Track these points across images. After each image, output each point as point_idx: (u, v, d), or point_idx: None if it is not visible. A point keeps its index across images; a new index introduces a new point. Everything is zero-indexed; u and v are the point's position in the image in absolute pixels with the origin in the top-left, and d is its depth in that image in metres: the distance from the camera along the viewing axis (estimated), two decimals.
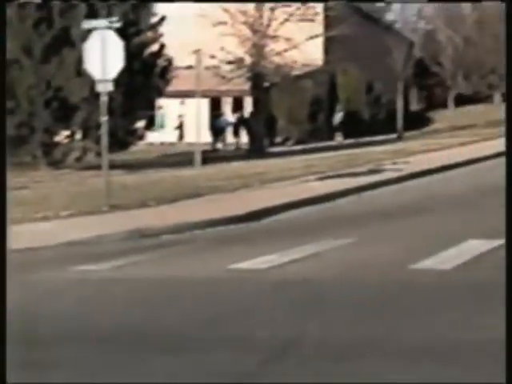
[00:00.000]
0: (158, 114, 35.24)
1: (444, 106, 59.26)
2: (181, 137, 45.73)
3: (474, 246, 11.34)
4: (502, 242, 11.48)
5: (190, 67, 29.18)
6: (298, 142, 44.02)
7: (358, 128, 46.40)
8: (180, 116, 45.35)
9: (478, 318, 7.67)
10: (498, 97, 65.46)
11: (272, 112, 43.31)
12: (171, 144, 44.18)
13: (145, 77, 29.62)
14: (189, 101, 37.92)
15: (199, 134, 27.10)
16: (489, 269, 10.11)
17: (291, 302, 8.70)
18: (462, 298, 8.59)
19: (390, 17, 61.52)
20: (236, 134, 42.07)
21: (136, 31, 29.22)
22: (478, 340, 6.95)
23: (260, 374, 6.23)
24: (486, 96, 63.34)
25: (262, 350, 6.89)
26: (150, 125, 32.82)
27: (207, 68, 32.90)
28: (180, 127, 45.80)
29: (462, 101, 59.29)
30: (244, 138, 41.17)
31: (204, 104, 42.25)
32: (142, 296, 9.40)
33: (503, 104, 63.48)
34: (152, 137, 38.18)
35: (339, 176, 22.63)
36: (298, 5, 35.97)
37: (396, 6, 58.34)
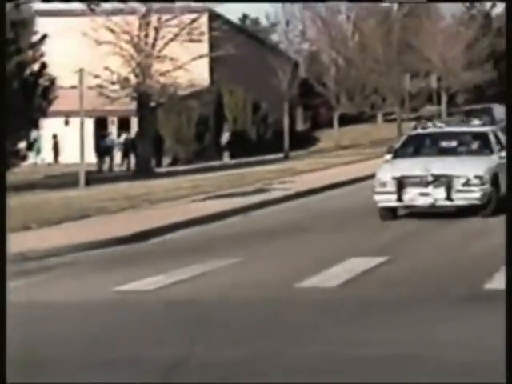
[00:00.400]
0: (37, 134, 34.60)
1: (329, 125, 60.19)
2: (55, 157, 45.28)
3: (357, 264, 11.51)
4: (383, 259, 11.69)
5: (74, 87, 28.82)
6: (185, 162, 43.95)
7: (245, 147, 46.66)
8: (54, 136, 44.90)
9: (362, 334, 7.76)
10: (380, 117, 66.93)
11: (159, 132, 43.12)
12: (49, 164, 43.56)
13: (26, 97, 29.04)
14: (73, 120, 37.46)
15: (84, 154, 26.73)
16: (372, 286, 10.27)
17: (177, 323, 8.63)
18: (346, 315, 8.69)
19: (274, 37, 62.25)
20: (125, 154, 41.74)
21: (16, 50, 28.63)
22: (361, 356, 7.03)
23: None
24: (370, 116, 64.65)
25: (147, 372, 6.81)
26: (31, 145, 32.22)
27: (91, 88, 32.57)
28: (55, 148, 45.38)
29: (346, 120, 60.32)
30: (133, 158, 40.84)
31: (89, 124, 41.78)
32: (21, 321, 9.17)
33: (386, 124, 65.05)
34: (32, 157, 37.58)
35: (226, 196, 22.68)
36: (183, 25, 35.97)
37: (280, 27, 59.05)
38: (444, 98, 58.97)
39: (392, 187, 15.88)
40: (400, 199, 15.87)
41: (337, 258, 11.96)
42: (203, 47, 39.81)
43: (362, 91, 59.38)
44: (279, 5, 56.93)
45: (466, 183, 15.63)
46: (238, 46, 37.62)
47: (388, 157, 17.46)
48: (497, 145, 17.04)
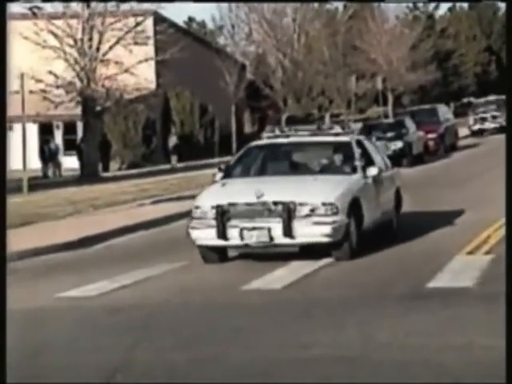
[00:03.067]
0: None
1: None
2: None
3: (300, 267, 11.48)
4: (327, 261, 11.68)
5: (16, 92, 28.48)
6: (132, 166, 43.71)
7: (192, 151, 46.55)
8: None
9: (305, 337, 7.74)
10: (327, 118, 67.26)
11: (106, 136, 42.84)
12: None
13: None
14: (16, 126, 37.03)
15: (27, 160, 26.43)
16: (316, 287, 10.27)
17: (119, 329, 8.55)
18: (291, 317, 8.67)
19: (221, 40, 62.21)
20: (51, 160, 41.38)
21: None
22: (302, 358, 7.02)
23: None
24: (317, 117, 64.96)
25: (87, 378, 6.72)
26: None
27: (35, 92, 32.19)
28: None
29: (294, 122, 60.53)
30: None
31: (33, 129, 41.34)
32: None
33: (333, 125, 65.35)
34: None
35: (173, 199, 22.56)
36: (128, 28, 35.74)
37: (227, 30, 59.02)
38: (390, 99, 59.45)
39: (213, 219, 11.70)
40: (223, 236, 11.65)
41: (280, 260, 11.93)
42: (149, 51, 39.62)
43: (309, 93, 59.63)
44: (225, 7, 56.94)
45: (312, 213, 11.53)
46: (184, 48, 37.52)
47: (219, 176, 13.03)
48: (361, 160, 12.93)
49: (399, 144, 31.19)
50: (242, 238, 11.60)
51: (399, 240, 13.09)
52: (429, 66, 62.05)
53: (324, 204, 11.54)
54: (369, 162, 13.12)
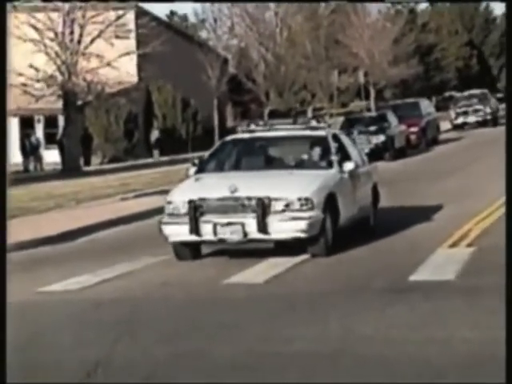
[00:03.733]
0: None
1: None
2: None
3: (281, 261, 11.46)
4: (305, 256, 11.66)
5: None
6: (114, 160, 43.58)
7: (175, 145, 46.44)
8: None
9: (288, 331, 7.75)
10: (310, 112, 67.27)
11: (88, 130, 42.68)
12: None
13: None
14: None
15: (10, 153, 26.26)
16: (298, 281, 10.27)
17: (101, 323, 8.53)
18: (274, 311, 8.67)
19: (203, 34, 62.06)
20: (33, 154, 41.25)
21: None
22: (285, 353, 7.02)
23: None
24: (300, 112, 64.96)
25: (69, 373, 6.71)
26: None
27: (15, 86, 32.00)
28: None
29: (276, 116, 60.48)
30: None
31: (13, 123, 41.12)
32: None
33: (309, 119, 65.37)
34: None
35: (156, 193, 22.50)
36: (109, 22, 35.60)
37: (209, 24, 58.90)
38: (372, 93, 59.53)
39: (185, 215, 11.44)
40: (196, 231, 11.39)
41: (259, 255, 11.93)
42: (131, 44, 39.49)
43: (292, 87, 59.59)
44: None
45: (287, 208, 11.31)
46: (165, 42, 37.39)
47: (192, 171, 12.77)
48: (337, 154, 12.67)
49: (381, 138, 31.26)
50: (215, 233, 11.35)
51: (381, 234, 13.11)
52: (411, 60, 62.17)
53: (299, 199, 11.30)
54: (345, 156, 12.87)
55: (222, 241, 11.51)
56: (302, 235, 11.29)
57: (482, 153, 28.86)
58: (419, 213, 15.23)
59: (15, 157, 38.11)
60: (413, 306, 8.35)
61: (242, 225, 11.29)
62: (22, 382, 5.79)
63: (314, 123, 13.48)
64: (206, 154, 13.54)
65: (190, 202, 11.44)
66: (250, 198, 11.34)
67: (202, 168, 12.73)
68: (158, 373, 6.65)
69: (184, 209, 11.48)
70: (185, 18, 78.90)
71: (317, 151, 12.65)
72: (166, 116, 49.06)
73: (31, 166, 40.63)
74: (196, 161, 13.11)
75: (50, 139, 43.22)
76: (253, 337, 7.61)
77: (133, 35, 39.26)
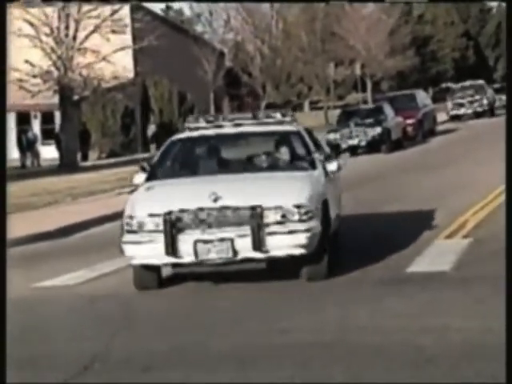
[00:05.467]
0: None
1: None
2: None
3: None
4: None
5: None
6: (111, 155, 43.57)
7: None
8: None
9: (285, 321, 7.76)
10: (307, 105, 67.29)
11: (85, 126, 42.68)
12: None
13: None
14: None
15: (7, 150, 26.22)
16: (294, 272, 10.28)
17: (98, 317, 8.55)
18: (270, 301, 8.67)
19: (199, 28, 62.07)
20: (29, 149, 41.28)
21: None
22: (281, 343, 7.05)
23: None
24: (296, 104, 64.95)
25: (68, 366, 6.73)
26: None
27: (11, 82, 31.95)
28: None
29: (273, 109, 60.60)
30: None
31: (10, 119, 41.08)
32: None
33: (313, 112, 65.50)
34: None
35: None
36: (104, 16, 35.56)
37: (204, 17, 58.89)
38: (369, 85, 59.53)
39: (155, 232, 9.22)
40: (173, 251, 9.16)
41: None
42: (126, 39, 39.42)
43: (288, 80, 59.63)
44: None
45: (284, 219, 9.18)
46: (161, 37, 37.35)
47: (139, 178, 10.41)
48: (320, 152, 10.85)
49: (378, 130, 31.25)
50: (196, 253, 9.12)
51: (377, 226, 13.12)
52: (407, 52, 62.17)
53: (298, 207, 9.18)
54: (325, 156, 10.91)
55: (203, 263, 9.21)
56: (302, 251, 9.15)
57: (479, 144, 28.87)
58: (415, 205, 15.24)
59: (12, 153, 38.10)
60: (409, 296, 8.37)
61: (231, 241, 9.10)
62: (22, 382, 5.79)
63: (278, 116, 11.04)
64: (155, 156, 11.03)
65: (158, 215, 9.20)
66: (238, 208, 9.16)
67: (153, 173, 10.37)
68: (155, 366, 6.66)
69: (151, 224, 9.22)
70: (180, 12, 78.84)
71: (285, 149, 10.53)
72: (163, 110, 49.04)
73: (28, 162, 40.62)
74: (145, 164, 10.73)
75: (47, 135, 43.22)
76: (249, 328, 7.63)
77: (129, 30, 39.20)
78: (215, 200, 9.24)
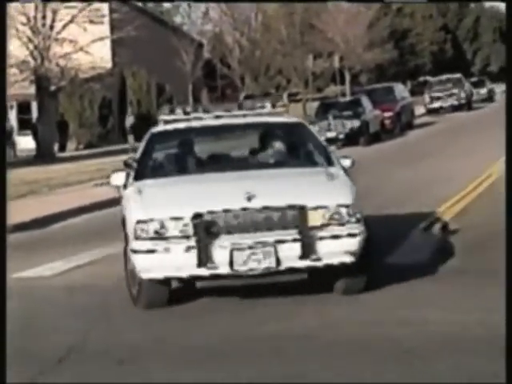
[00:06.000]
0: None
1: None
2: None
3: None
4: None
5: None
6: (89, 146, 43.40)
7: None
8: None
9: (261, 313, 7.73)
10: (285, 97, 67.23)
11: (63, 116, 42.48)
12: None
13: None
14: None
15: None
16: None
17: (75, 309, 8.49)
18: (248, 294, 8.65)
19: (177, 19, 61.84)
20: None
21: None
22: (257, 335, 7.02)
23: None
24: (275, 97, 64.90)
25: (42, 359, 6.68)
26: None
27: None
28: None
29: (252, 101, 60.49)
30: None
31: None
32: None
33: (291, 104, 65.51)
34: None
35: None
36: (82, 6, 35.39)
37: (183, 8, 58.71)
38: (347, 78, 59.58)
39: (181, 238, 7.73)
40: (206, 262, 7.68)
41: None
42: (104, 29, 39.25)
43: (267, 72, 59.59)
44: None
45: (331, 222, 7.88)
46: (139, 27, 37.22)
47: (118, 179, 9.15)
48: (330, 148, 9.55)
49: (356, 123, 31.32)
50: (231, 263, 7.68)
51: None
52: (386, 45, 62.27)
53: (346, 207, 7.88)
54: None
55: (239, 274, 7.77)
56: (352, 259, 7.86)
57: (457, 137, 28.98)
58: (392, 198, 15.24)
59: None
60: (387, 288, 8.35)
61: (274, 248, 7.69)
62: (22, 382, 5.74)
63: (268, 107, 9.81)
64: (137, 153, 9.50)
65: (196, 217, 7.70)
66: (280, 209, 7.77)
67: (138, 173, 8.89)
68: (132, 357, 6.62)
69: (175, 229, 7.74)
70: (159, 2, 78.49)
71: (280, 144, 9.30)
72: (141, 101, 48.87)
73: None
74: (131, 160, 9.38)
75: (23, 125, 42.95)
76: (227, 320, 7.60)
77: (106, 20, 39.04)
78: (249, 199, 7.78)
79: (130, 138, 44.64)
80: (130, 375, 6.23)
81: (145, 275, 7.88)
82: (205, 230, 7.68)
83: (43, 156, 34.93)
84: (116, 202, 17.76)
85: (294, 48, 57.24)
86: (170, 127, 9.57)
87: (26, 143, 40.66)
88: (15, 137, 41.46)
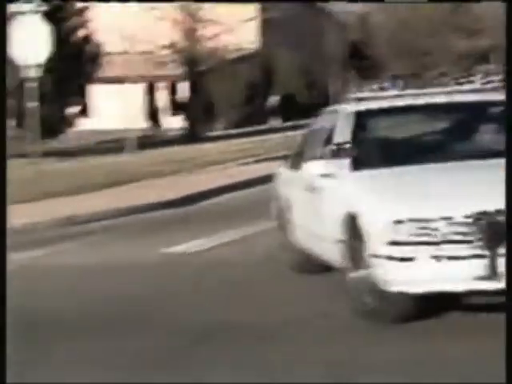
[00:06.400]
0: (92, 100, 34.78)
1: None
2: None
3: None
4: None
5: (123, 53, 28.93)
6: (235, 126, 43.95)
7: (295, 111, 46.44)
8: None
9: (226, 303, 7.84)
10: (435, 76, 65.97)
11: (210, 96, 43.16)
12: (108, 131, 43.86)
13: (74, 62, 29.15)
14: (120, 87, 37.60)
15: (135, 119, 26.94)
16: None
17: (218, 285, 8.70)
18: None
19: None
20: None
21: (64, 16, 28.75)
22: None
23: (182, 358, 6.18)
24: (422, 77, 63.84)
25: (187, 334, 6.86)
26: (84, 111, 32.50)
27: (141, 53, 32.64)
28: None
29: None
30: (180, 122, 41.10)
31: (139, 89, 41.97)
32: (69, 283, 9.38)
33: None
34: (87, 123, 37.72)
35: (275, 158, 22.66)
36: None
37: None
38: (492, 58, 58.08)
39: (457, 243, 6.30)
40: (494, 274, 6.26)
41: None
42: (252, 10, 39.60)
43: (412, 52, 58.66)
44: None
45: None
46: (286, 8, 37.40)
47: (317, 166, 7.78)
48: None
49: None
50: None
51: None
52: None
53: None
54: None
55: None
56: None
57: None
58: None
59: (139, 122, 38.91)
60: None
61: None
62: (22, 383, 5.92)
63: (477, 82, 8.67)
64: (342, 135, 7.84)
65: (479, 217, 6.28)
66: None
67: (357, 162, 7.43)
68: (271, 335, 6.76)
69: (451, 233, 6.30)
70: None
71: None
72: (286, 82, 49.09)
73: (155, 131, 41.56)
74: (347, 146, 7.62)
75: (173, 105, 43.85)
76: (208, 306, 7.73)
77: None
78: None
79: (275, 118, 45.01)
80: (270, 355, 6.24)
81: (418, 289, 6.34)
82: (491, 235, 6.26)
83: (193, 135, 35.71)
84: (262, 180, 18.09)
85: (442, 27, 56.22)
86: (374, 106, 8.26)
87: (176, 122, 41.64)
88: (164, 117, 42.47)
